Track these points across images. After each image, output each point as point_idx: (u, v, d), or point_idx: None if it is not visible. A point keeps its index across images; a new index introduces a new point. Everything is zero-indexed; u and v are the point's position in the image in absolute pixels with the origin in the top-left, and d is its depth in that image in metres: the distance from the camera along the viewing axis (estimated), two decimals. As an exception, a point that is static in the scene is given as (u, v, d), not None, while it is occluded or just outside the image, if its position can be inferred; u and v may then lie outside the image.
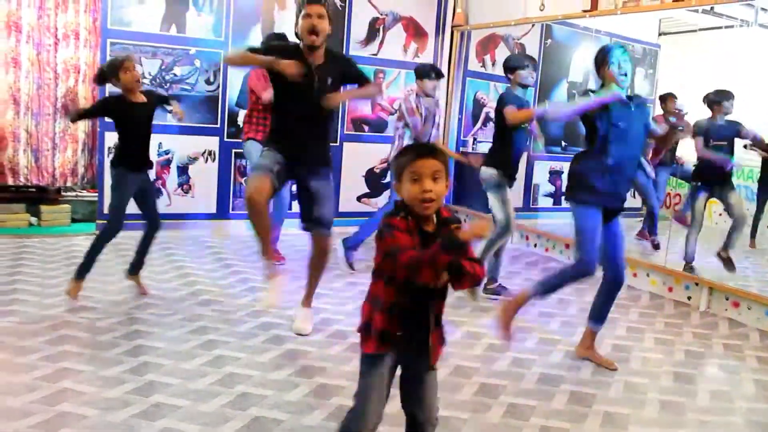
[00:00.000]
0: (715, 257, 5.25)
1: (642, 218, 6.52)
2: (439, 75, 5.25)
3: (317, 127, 3.66)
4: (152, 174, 4.57)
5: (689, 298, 4.97)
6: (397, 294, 1.95)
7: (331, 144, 6.51)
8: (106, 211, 5.66)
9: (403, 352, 2.01)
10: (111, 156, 4.21)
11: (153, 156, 4.63)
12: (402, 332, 1.97)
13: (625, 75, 3.39)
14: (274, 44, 3.80)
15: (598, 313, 3.58)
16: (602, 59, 3.44)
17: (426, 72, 5.18)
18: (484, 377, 3.32)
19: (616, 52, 3.40)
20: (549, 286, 3.53)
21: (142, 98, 4.06)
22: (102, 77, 4.10)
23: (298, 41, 3.62)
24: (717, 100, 5.18)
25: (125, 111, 3.99)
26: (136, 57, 4.20)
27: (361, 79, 3.78)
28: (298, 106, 3.56)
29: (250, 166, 3.85)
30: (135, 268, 4.27)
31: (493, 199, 4.57)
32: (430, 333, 2.01)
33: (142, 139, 4.10)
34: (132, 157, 4.03)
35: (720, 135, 5.23)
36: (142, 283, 4.28)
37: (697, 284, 4.93)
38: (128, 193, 4.04)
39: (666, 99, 6.23)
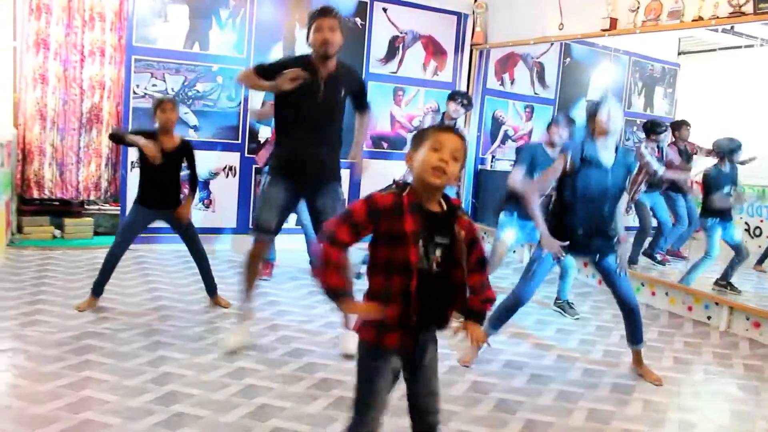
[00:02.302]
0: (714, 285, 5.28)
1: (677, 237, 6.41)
2: (464, 102, 5.31)
3: (324, 138, 3.56)
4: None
5: (709, 317, 4.93)
6: (388, 279, 1.87)
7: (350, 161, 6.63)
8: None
9: (403, 341, 1.92)
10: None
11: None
12: (402, 317, 1.87)
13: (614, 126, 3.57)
14: (280, 60, 3.68)
15: (631, 336, 3.77)
16: (593, 110, 3.65)
17: (452, 95, 5.39)
18: (501, 393, 3.32)
19: (606, 105, 3.62)
20: (495, 320, 3.76)
21: (175, 143, 4.14)
22: (116, 137, 4.30)
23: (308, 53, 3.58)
24: (732, 149, 5.25)
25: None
26: (177, 102, 4.22)
27: (362, 101, 3.74)
28: (305, 117, 3.49)
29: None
30: (210, 291, 4.43)
31: None
32: (444, 318, 1.96)
33: (160, 182, 4.14)
34: (149, 197, 4.14)
35: (727, 181, 5.31)
36: (221, 300, 4.44)
37: (717, 304, 4.90)
38: (136, 224, 4.18)
39: (680, 127, 6.16)
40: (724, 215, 5.30)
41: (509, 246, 4.90)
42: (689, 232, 6.19)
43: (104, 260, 4.16)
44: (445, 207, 1.94)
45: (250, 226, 3.61)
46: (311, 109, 3.46)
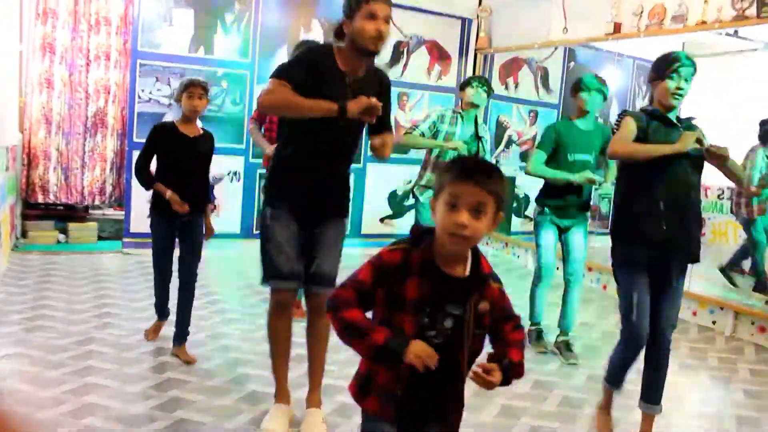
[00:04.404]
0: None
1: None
2: (481, 83, 4.47)
3: (341, 162, 2.87)
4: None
5: (714, 322, 4.91)
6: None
7: (355, 166, 6.63)
8: (132, 229, 5.82)
9: (410, 419, 1.63)
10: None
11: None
12: (408, 393, 1.60)
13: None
14: (298, 60, 2.79)
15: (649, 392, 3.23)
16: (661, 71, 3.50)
17: (468, 81, 4.54)
18: (505, 399, 3.31)
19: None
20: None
21: (198, 132, 3.54)
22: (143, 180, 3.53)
23: (330, 43, 2.79)
24: None
25: (172, 141, 3.45)
26: (209, 86, 3.57)
27: (385, 119, 2.84)
28: (319, 136, 2.69)
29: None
30: (179, 336, 3.58)
31: None
32: (447, 397, 1.65)
33: (185, 177, 3.46)
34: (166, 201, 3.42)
35: None
36: (185, 353, 3.54)
37: (722, 308, 4.88)
38: (166, 242, 3.57)
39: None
40: None
41: (553, 250, 4.10)
42: None
43: (155, 283, 3.72)
44: (469, 270, 1.59)
45: (263, 280, 2.72)
46: (330, 126, 2.62)
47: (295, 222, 2.79)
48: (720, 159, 2.67)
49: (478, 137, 4.45)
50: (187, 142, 3.47)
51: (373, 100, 2.51)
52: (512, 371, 1.61)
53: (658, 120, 2.81)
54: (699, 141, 2.68)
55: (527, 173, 4.06)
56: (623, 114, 2.90)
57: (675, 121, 2.82)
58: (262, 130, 4.37)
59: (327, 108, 2.52)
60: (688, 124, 2.84)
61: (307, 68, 2.65)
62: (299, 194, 2.77)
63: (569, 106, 7.33)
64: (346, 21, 2.66)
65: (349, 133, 2.77)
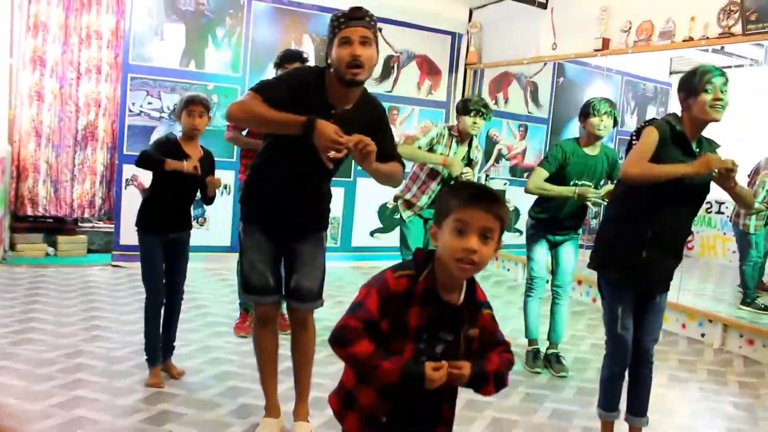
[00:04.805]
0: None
1: None
2: (482, 112, 4.15)
3: (317, 181, 2.73)
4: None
5: (703, 335, 4.94)
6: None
7: (345, 180, 6.65)
8: (122, 242, 5.79)
9: None
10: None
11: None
12: (392, 421, 1.59)
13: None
14: (284, 79, 2.71)
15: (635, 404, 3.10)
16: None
17: (465, 106, 4.20)
18: (496, 412, 3.31)
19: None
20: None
21: (199, 152, 3.39)
22: (144, 161, 3.26)
23: (321, 66, 2.64)
24: None
25: (175, 156, 3.26)
26: (209, 101, 3.40)
27: (386, 147, 2.55)
28: (302, 161, 2.55)
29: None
30: (165, 350, 3.49)
31: None
32: (433, 421, 1.63)
33: (179, 197, 3.37)
34: (158, 214, 3.34)
35: None
36: (173, 367, 3.50)
37: (710, 321, 4.90)
38: (155, 258, 3.36)
39: None
40: None
41: (545, 263, 4.11)
42: None
43: (145, 318, 3.42)
44: (463, 297, 1.60)
45: (240, 296, 2.81)
46: (308, 156, 2.43)
47: (269, 237, 2.73)
48: (728, 180, 2.57)
49: (469, 159, 4.24)
50: (188, 158, 3.30)
51: (354, 139, 2.29)
52: (484, 375, 1.56)
53: (680, 141, 2.66)
54: (730, 169, 2.55)
55: (527, 191, 3.92)
56: (647, 123, 2.74)
57: (698, 145, 2.71)
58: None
59: (291, 120, 2.36)
60: (709, 149, 2.74)
61: (287, 91, 2.50)
62: (271, 211, 2.70)
63: (559, 121, 7.42)
64: (328, 49, 2.53)
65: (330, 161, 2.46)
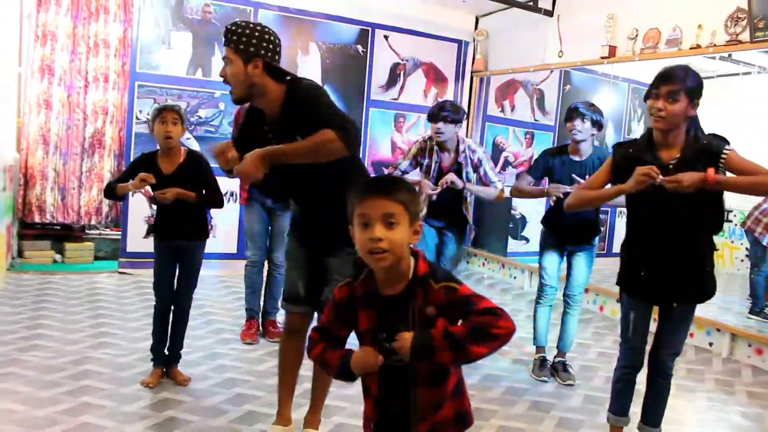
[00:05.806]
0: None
1: None
2: (447, 116, 3.98)
3: (310, 190, 2.68)
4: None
5: (711, 344, 4.90)
6: (366, 378, 1.65)
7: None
8: (129, 249, 5.81)
9: None
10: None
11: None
12: (378, 420, 1.67)
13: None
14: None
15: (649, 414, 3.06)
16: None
17: (432, 114, 4.08)
18: (502, 420, 3.29)
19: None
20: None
21: (179, 159, 3.34)
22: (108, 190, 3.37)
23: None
24: None
25: (152, 171, 3.27)
26: (183, 111, 3.35)
27: (316, 124, 2.37)
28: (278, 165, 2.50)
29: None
30: (171, 357, 3.52)
31: None
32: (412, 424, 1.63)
33: (174, 207, 3.31)
34: (159, 221, 3.42)
35: None
36: (178, 374, 3.50)
37: (719, 330, 4.87)
38: (161, 264, 3.42)
39: None
40: None
41: (557, 273, 4.05)
42: None
43: (153, 321, 3.49)
44: (407, 283, 1.57)
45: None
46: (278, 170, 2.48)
47: (303, 248, 2.77)
48: (680, 187, 2.45)
49: (458, 163, 4.10)
50: (159, 178, 3.27)
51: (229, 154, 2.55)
52: (429, 343, 1.48)
53: (636, 157, 2.60)
54: (649, 175, 2.47)
55: (511, 195, 4.18)
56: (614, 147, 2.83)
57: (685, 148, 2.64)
58: None
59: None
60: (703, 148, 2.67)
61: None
62: (297, 223, 2.83)
63: (565, 128, 7.40)
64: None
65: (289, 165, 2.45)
